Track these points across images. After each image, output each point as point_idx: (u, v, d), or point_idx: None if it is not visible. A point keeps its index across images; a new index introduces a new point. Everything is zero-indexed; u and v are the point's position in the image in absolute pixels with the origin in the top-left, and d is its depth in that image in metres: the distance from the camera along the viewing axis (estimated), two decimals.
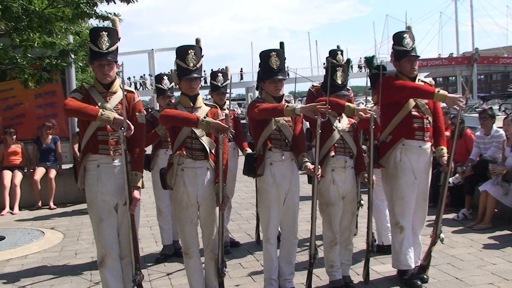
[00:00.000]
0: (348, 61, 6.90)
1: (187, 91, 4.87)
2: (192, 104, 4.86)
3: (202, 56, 4.90)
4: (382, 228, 6.60)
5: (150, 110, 7.16)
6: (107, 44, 4.51)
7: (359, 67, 52.13)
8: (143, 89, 51.86)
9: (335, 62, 6.00)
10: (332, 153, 5.26)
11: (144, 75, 55.83)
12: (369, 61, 6.57)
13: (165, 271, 6.37)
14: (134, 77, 55.12)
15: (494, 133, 8.57)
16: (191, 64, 4.77)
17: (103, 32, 4.55)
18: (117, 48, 4.62)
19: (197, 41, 5.12)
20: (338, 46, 6.85)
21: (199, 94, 4.96)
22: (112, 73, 4.63)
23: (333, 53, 6.69)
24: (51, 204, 10.75)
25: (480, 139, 8.74)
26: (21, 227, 9.12)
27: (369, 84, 6.01)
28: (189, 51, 4.78)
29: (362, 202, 6.30)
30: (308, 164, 4.99)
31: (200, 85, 4.98)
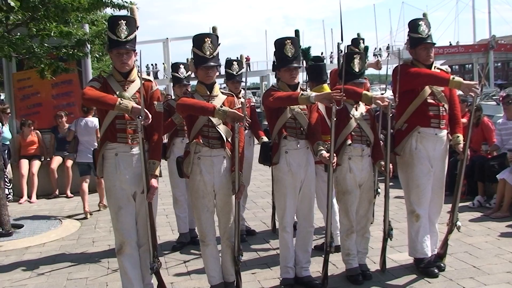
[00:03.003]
0: (366, 48, 6.86)
1: (204, 79, 4.88)
2: (208, 93, 4.88)
3: (219, 45, 4.91)
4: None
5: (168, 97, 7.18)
6: (126, 32, 4.52)
7: (375, 55, 51.80)
8: None
9: (352, 49, 5.98)
10: (349, 142, 5.25)
11: (147, 65, 54.94)
12: (305, 52, 6.53)
13: (182, 259, 6.41)
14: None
15: None
16: (208, 53, 4.78)
17: (122, 21, 4.56)
18: (135, 36, 4.63)
19: (214, 29, 5.14)
20: (358, 34, 6.80)
21: (215, 82, 4.97)
22: (130, 62, 4.64)
23: (355, 42, 6.66)
24: (68, 192, 10.83)
25: (502, 125, 8.63)
26: (39, 215, 9.23)
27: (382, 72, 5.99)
28: (206, 40, 4.80)
29: (379, 190, 6.29)
30: (323, 152, 4.97)
31: (217, 74, 4.98)
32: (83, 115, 9.55)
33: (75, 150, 9.42)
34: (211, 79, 4.90)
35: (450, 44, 60.32)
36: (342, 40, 5.65)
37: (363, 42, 6.63)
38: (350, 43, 6.79)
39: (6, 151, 10.18)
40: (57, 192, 10.93)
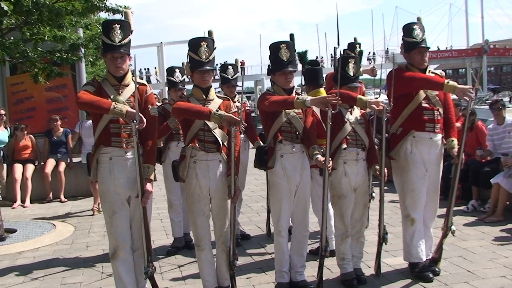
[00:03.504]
0: (361, 53, 6.87)
1: (200, 83, 4.87)
2: (204, 97, 4.87)
3: (215, 48, 4.90)
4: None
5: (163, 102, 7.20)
6: (120, 36, 4.51)
7: (368, 59, 51.87)
8: None
9: (349, 53, 5.98)
10: (344, 146, 5.25)
11: (140, 69, 54.21)
12: (302, 56, 6.53)
13: (176, 263, 6.39)
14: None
15: (508, 122, 8.49)
16: (204, 56, 4.77)
17: (116, 25, 4.54)
18: (129, 40, 4.62)
19: (210, 33, 5.13)
20: (355, 39, 6.80)
21: (211, 86, 4.96)
22: (125, 66, 4.63)
23: (351, 46, 6.67)
24: (62, 197, 10.80)
25: (493, 130, 8.64)
26: (32, 220, 9.20)
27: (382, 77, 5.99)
28: (202, 43, 4.79)
29: (373, 194, 6.29)
30: (319, 156, 4.96)
31: (212, 78, 4.98)
32: (87, 117, 9.81)
33: (79, 151, 9.94)
34: (207, 83, 4.89)
35: (438, 49, 60.34)
36: (338, 44, 5.67)
37: (360, 47, 6.64)
38: (346, 47, 6.79)
39: None
40: (51, 196, 10.89)
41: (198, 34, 5.05)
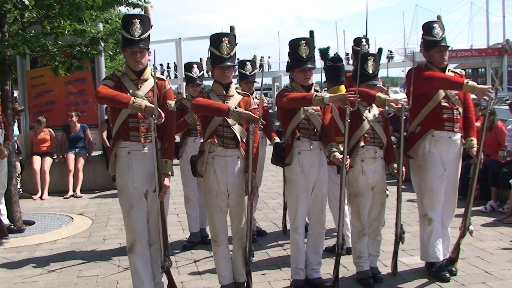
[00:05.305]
0: (380, 50, 6.82)
1: (220, 79, 4.88)
2: (225, 92, 4.88)
3: (236, 44, 4.90)
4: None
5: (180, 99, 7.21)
6: (139, 31, 4.52)
7: (387, 57, 51.58)
8: None
9: (365, 51, 5.95)
10: (362, 144, 5.23)
11: (154, 65, 54.79)
12: (324, 52, 6.50)
13: (192, 258, 6.41)
14: None
15: None
16: (225, 52, 4.78)
17: (136, 19, 4.56)
18: (149, 35, 4.63)
19: (232, 29, 5.14)
20: (364, 35, 6.78)
21: (232, 82, 4.97)
22: (144, 61, 4.65)
23: (357, 41, 6.65)
24: (78, 192, 10.81)
25: None
26: (50, 212, 9.28)
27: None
28: (224, 39, 4.79)
29: (387, 192, 6.26)
30: (337, 154, 4.95)
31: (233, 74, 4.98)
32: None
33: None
34: (227, 79, 4.89)
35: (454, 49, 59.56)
36: (361, 41, 5.63)
37: (367, 42, 6.60)
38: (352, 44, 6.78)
39: None
40: (71, 192, 10.86)
41: (216, 30, 5.03)
